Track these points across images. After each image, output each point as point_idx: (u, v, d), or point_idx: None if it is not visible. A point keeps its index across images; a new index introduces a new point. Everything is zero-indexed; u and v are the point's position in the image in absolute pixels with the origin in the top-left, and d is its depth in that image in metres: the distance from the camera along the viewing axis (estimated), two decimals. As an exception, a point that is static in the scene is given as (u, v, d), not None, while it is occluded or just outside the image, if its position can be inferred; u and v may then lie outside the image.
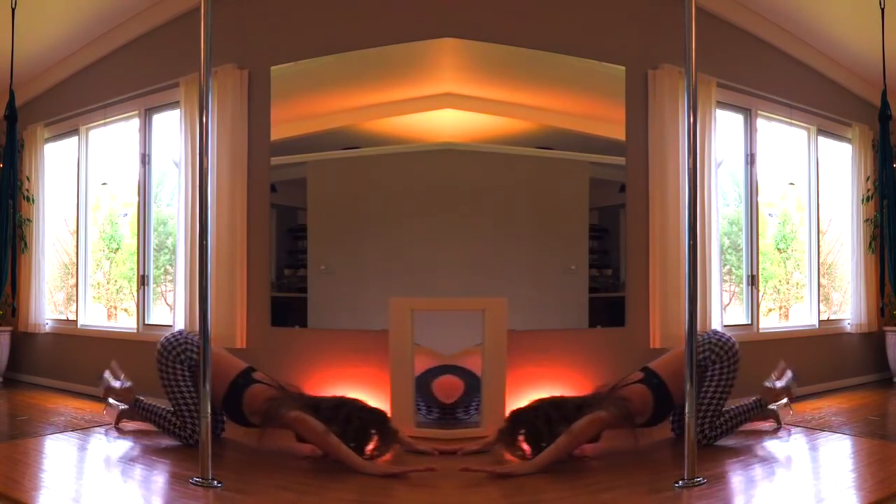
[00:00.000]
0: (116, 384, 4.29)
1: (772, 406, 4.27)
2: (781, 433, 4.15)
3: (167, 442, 3.94)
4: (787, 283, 5.94)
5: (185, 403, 3.86)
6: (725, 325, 5.13)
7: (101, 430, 4.24)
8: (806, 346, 5.76)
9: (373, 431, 3.53)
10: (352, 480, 3.22)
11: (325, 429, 3.43)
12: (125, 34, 5.57)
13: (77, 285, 6.00)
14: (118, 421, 4.30)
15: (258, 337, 4.63)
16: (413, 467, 3.31)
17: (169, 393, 3.89)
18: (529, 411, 3.62)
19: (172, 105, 5.22)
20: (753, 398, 4.22)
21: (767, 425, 4.30)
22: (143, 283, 5.47)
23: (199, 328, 3.15)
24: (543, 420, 3.54)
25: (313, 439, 3.49)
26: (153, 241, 5.54)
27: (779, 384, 4.26)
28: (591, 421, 3.52)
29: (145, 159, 5.50)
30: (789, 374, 4.31)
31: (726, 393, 3.89)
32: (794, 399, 4.32)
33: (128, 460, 3.63)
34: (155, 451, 3.78)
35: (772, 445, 3.89)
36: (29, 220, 6.21)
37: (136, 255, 5.55)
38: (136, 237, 5.58)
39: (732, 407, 4.06)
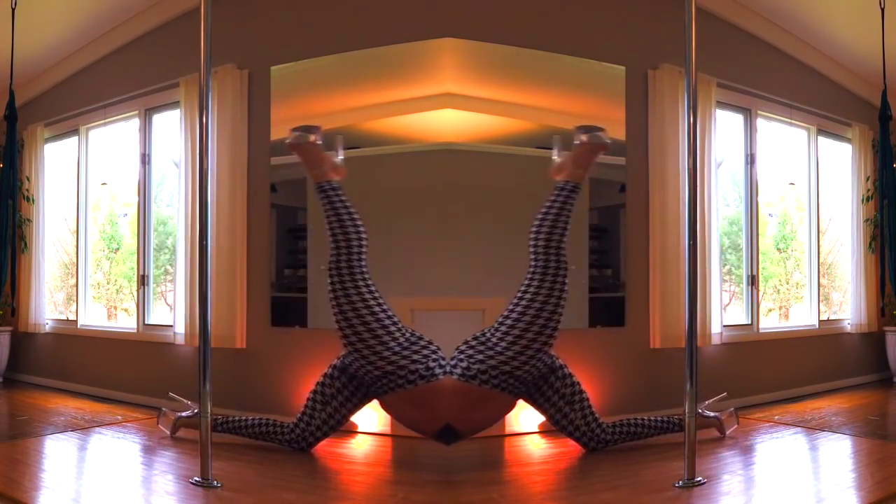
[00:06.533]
0: (187, 413, 4.01)
1: (712, 414, 4.00)
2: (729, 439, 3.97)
3: (167, 442, 3.94)
4: (787, 283, 5.94)
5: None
6: (725, 325, 5.12)
7: (102, 430, 4.24)
8: (806, 346, 5.77)
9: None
10: (352, 480, 3.22)
11: None
12: (125, 34, 5.57)
13: (77, 285, 6.00)
14: (175, 430, 4.05)
15: (258, 337, 4.63)
16: None
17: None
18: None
19: (172, 105, 5.21)
20: (663, 418, 3.91)
21: (709, 436, 4.00)
22: (143, 283, 5.47)
23: (198, 328, 3.16)
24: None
25: None
26: (153, 241, 5.54)
27: (710, 413, 3.99)
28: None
29: (145, 159, 5.50)
30: (731, 409, 4.09)
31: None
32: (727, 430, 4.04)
33: (128, 460, 3.63)
34: (155, 451, 3.78)
35: (771, 445, 3.89)
36: (29, 220, 6.21)
37: (136, 255, 5.55)
38: (136, 237, 5.58)
39: (640, 419, 3.87)
